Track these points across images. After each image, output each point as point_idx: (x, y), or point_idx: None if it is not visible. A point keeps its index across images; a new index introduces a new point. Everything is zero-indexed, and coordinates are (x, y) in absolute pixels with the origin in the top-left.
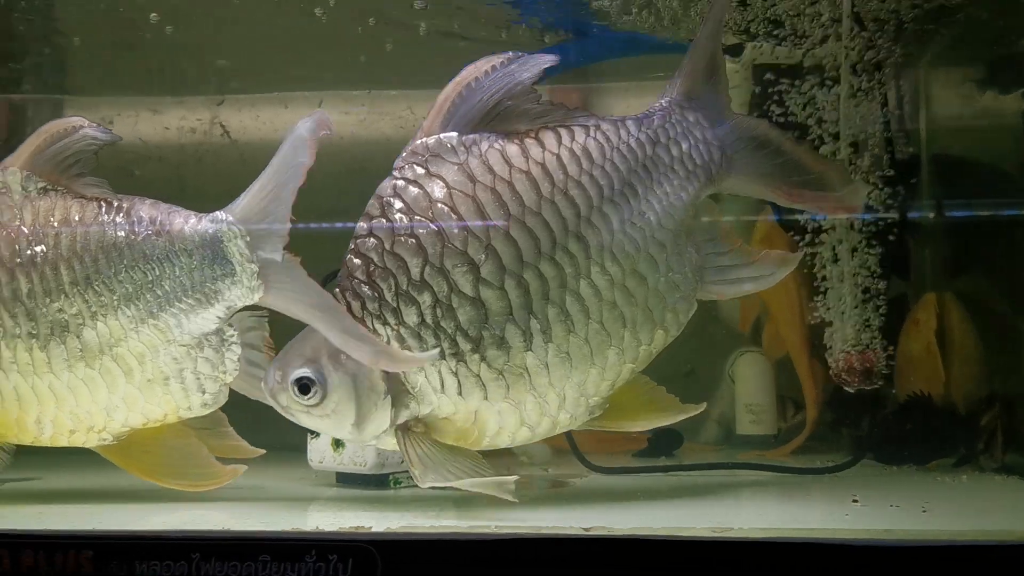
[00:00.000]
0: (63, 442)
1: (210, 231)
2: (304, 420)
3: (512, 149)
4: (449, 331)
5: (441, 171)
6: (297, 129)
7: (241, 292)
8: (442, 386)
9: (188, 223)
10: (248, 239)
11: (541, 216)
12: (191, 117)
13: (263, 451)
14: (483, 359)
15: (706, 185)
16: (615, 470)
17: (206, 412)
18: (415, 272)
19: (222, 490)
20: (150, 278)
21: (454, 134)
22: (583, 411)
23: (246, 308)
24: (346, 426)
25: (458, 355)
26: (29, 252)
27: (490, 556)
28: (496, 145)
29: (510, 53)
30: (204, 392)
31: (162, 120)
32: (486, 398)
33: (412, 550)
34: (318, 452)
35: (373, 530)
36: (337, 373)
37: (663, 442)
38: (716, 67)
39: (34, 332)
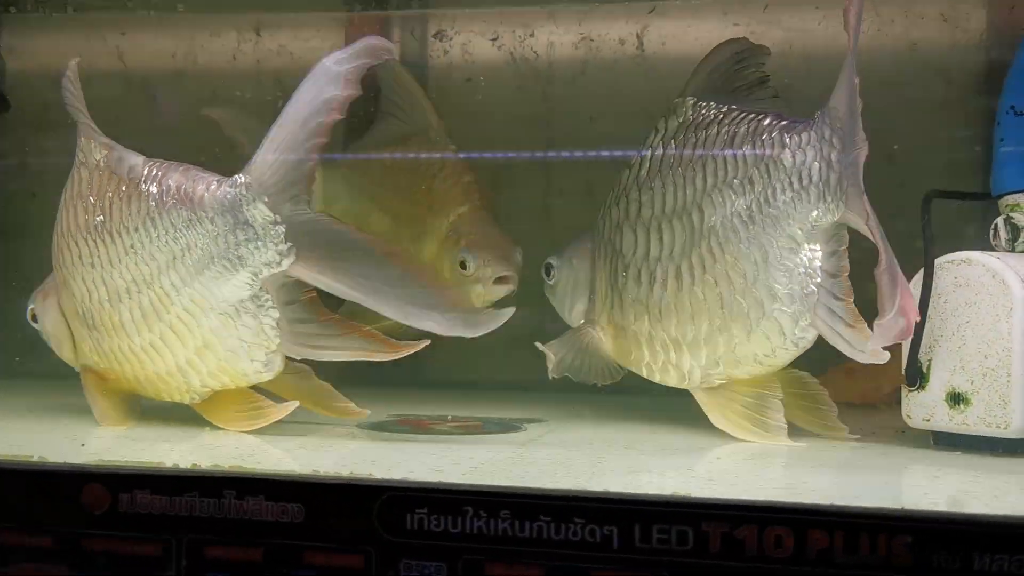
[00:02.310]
0: (171, 398)
1: (228, 196)
2: None
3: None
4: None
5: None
6: (323, 62)
7: (268, 257)
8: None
9: (208, 190)
10: (267, 199)
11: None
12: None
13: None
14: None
15: (819, 207)
16: None
17: (264, 379)
18: None
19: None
20: (180, 247)
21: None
22: (696, 374)
23: None
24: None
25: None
26: (97, 220)
27: None
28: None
29: None
30: (253, 360)
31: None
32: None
33: None
34: (923, 408)
35: None
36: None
37: None
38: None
39: (109, 297)
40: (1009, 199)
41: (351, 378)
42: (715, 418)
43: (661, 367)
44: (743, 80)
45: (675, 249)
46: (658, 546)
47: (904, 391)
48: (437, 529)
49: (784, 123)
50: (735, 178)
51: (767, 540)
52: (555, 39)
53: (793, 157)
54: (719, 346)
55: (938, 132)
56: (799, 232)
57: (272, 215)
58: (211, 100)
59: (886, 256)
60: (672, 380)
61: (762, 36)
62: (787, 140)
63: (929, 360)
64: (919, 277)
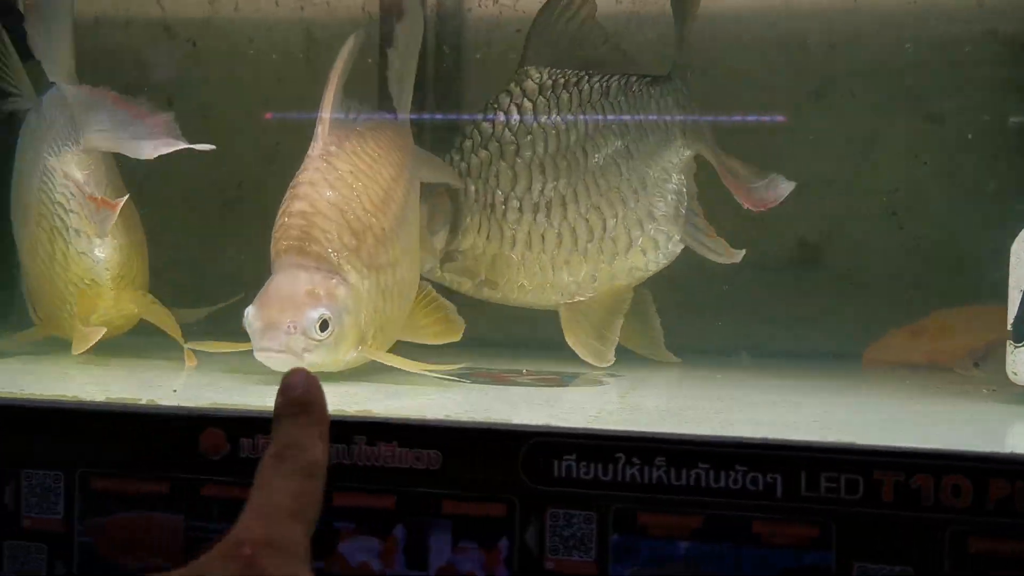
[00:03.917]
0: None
1: None
2: None
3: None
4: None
5: None
6: None
7: None
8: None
9: None
10: None
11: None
12: None
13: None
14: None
15: (686, 141)
16: None
17: None
18: None
19: None
20: None
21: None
22: (570, 289)
23: None
24: None
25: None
26: None
27: None
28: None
29: None
30: None
31: None
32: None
33: None
34: None
35: None
36: None
37: None
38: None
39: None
40: None
41: None
42: (569, 337)
43: (536, 287)
44: (580, 36)
45: (559, 183)
46: (826, 495)
47: (1009, 347)
48: (587, 477)
49: (647, 78)
50: (614, 123)
51: (944, 489)
52: None
53: (658, 105)
54: (600, 263)
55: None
56: (670, 163)
57: None
58: (249, 48)
59: (723, 167)
60: (545, 299)
61: None
62: (652, 91)
63: None
64: None
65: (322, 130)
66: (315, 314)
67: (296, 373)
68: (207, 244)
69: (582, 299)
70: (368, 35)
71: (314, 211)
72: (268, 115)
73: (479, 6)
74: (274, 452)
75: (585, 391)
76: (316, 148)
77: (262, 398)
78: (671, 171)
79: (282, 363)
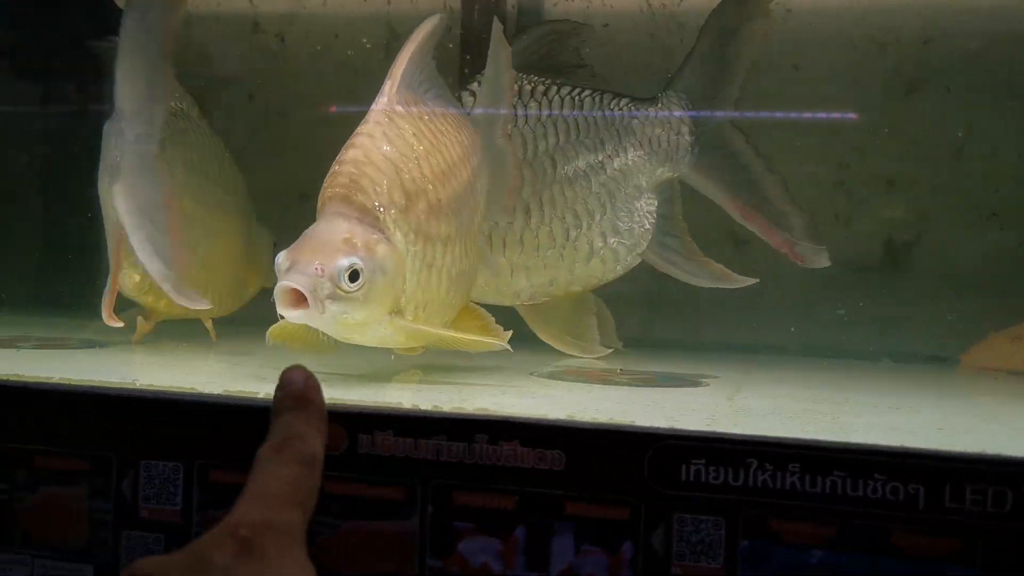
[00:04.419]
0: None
1: None
2: None
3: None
4: None
5: None
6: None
7: None
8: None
9: None
10: None
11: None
12: None
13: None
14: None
15: (665, 166)
16: None
17: None
18: None
19: None
20: None
21: None
22: (525, 292)
23: None
24: None
25: None
26: None
27: None
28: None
29: None
30: None
31: None
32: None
33: None
34: None
35: None
36: None
37: None
38: (719, 71)
39: None
40: None
41: None
42: (539, 331)
43: (495, 289)
44: (557, 59)
45: (526, 191)
46: (971, 508)
47: None
48: (716, 482)
49: (627, 98)
50: (586, 137)
51: None
52: None
53: (643, 126)
54: (559, 270)
55: None
56: (644, 183)
57: None
58: (335, 42)
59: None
60: (502, 299)
61: None
62: (635, 111)
63: None
64: None
65: (390, 86)
66: (346, 261)
67: (295, 370)
68: (283, 236)
69: (537, 303)
70: (449, 22)
71: (367, 161)
72: (332, 108)
73: (555, 6)
74: (273, 443)
75: (688, 392)
76: (380, 103)
77: (381, 394)
78: (644, 190)
79: (301, 315)
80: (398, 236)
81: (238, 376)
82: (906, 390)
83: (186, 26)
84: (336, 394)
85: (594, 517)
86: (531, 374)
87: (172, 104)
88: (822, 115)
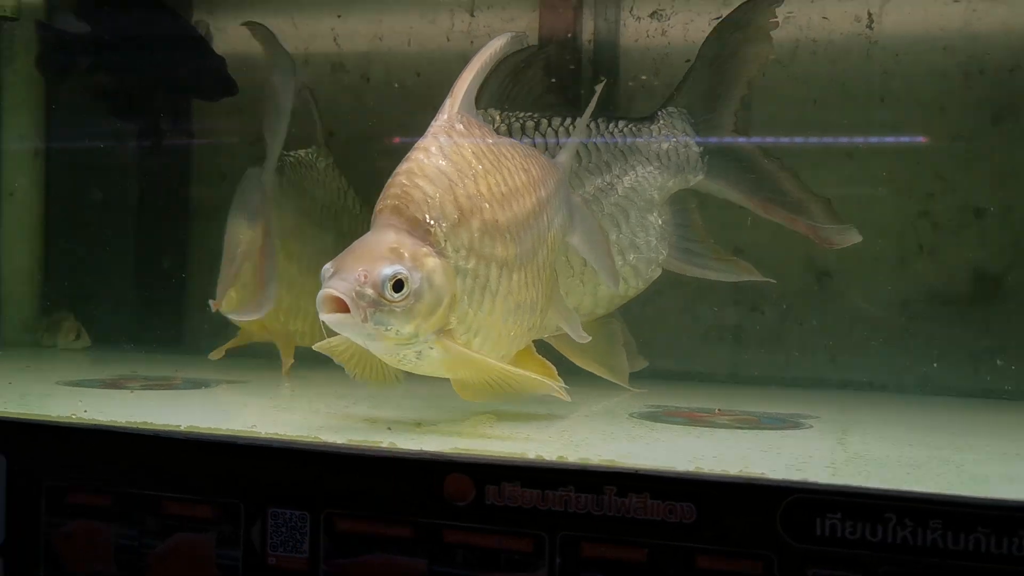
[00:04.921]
0: None
1: None
2: None
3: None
4: None
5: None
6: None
7: None
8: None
9: None
10: None
11: None
12: None
13: None
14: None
15: (676, 178)
16: None
17: None
18: None
19: None
20: None
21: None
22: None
23: None
24: None
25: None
26: None
27: None
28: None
29: None
30: None
31: None
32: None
33: None
34: None
35: None
36: None
37: None
38: (717, 90)
39: None
40: None
41: None
42: (577, 361)
43: None
44: (532, 81)
45: None
46: None
47: None
48: (852, 537)
49: (625, 120)
50: (590, 162)
51: None
52: None
53: (648, 143)
54: (583, 296)
55: None
56: (656, 196)
57: None
58: (418, 79)
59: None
60: None
61: (986, 12)
62: (636, 130)
63: None
64: None
65: (450, 103)
66: (390, 270)
67: None
68: None
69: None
70: (523, 40)
71: (420, 174)
72: (396, 139)
73: (635, 41)
74: None
75: (795, 435)
76: (440, 119)
77: (508, 444)
78: (656, 204)
79: (342, 320)
80: (449, 250)
81: (354, 421)
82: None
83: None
84: (463, 444)
85: (726, 570)
86: (630, 415)
87: (303, 154)
88: (904, 138)
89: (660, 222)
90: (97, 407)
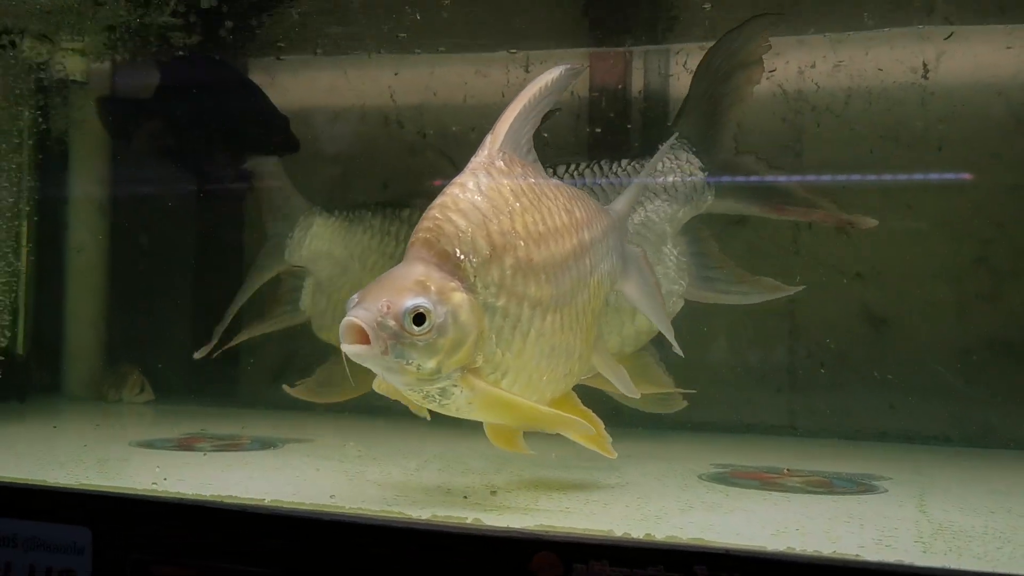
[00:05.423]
0: None
1: None
2: None
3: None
4: None
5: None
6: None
7: None
8: None
9: None
10: None
11: None
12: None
13: None
14: None
15: (686, 207)
16: None
17: None
18: None
19: None
20: None
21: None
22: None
23: None
24: None
25: None
26: None
27: None
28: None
29: None
30: None
31: None
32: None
33: None
34: None
35: None
36: None
37: None
38: (715, 116)
39: None
40: None
41: None
42: (616, 395)
43: None
44: None
45: None
46: None
47: None
48: None
49: (629, 159)
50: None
51: None
52: (814, 67)
53: (654, 178)
54: (609, 336)
55: None
56: (668, 228)
57: None
58: (471, 134)
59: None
60: None
61: None
62: (640, 168)
63: None
64: None
65: (491, 139)
66: (412, 302)
67: None
68: None
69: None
70: (577, 73)
71: (454, 208)
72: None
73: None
74: None
75: (872, 501)
76: (480, 156)
77: (595, 520)
78: (670, 236)
79: (362, 351)
80: (479, 286)
81: (428, 492)
82: None
83: (332, 121)
84: (549, 520)
85: None
86: (699, 478)
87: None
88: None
89: (676, 253)
90: (174, 473)
